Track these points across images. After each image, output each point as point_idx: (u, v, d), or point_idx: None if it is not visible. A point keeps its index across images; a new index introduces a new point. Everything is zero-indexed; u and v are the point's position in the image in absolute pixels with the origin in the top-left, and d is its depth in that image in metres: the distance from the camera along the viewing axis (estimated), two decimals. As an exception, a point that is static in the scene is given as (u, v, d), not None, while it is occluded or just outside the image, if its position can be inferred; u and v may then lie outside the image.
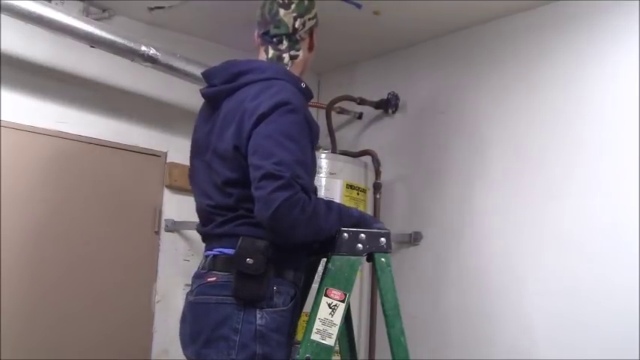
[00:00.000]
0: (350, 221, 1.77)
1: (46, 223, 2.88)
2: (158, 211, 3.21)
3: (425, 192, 3.28)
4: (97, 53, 2.88)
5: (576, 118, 2.74)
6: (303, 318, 2.00)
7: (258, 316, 1.67)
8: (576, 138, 2.73)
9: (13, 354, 2.67)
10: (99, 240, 3.03)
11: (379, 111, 3.57)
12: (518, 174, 2.90)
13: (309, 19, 1.91)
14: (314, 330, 1.67)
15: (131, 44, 2.80)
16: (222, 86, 1.84)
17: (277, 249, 1.71)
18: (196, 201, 1.89)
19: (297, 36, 1.89)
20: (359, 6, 2.94)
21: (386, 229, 1.82)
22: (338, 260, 1.73)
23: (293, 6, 1.88)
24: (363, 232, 1.76)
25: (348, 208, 1.81)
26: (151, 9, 3.13)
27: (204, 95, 1.91)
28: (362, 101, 3.51)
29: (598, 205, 2.61)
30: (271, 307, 1.69)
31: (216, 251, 1.77)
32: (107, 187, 3.09)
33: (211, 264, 1.77)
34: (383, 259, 1.79)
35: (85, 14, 2.99)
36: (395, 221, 3.25)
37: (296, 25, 1.88)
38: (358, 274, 1.96)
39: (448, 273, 3.10)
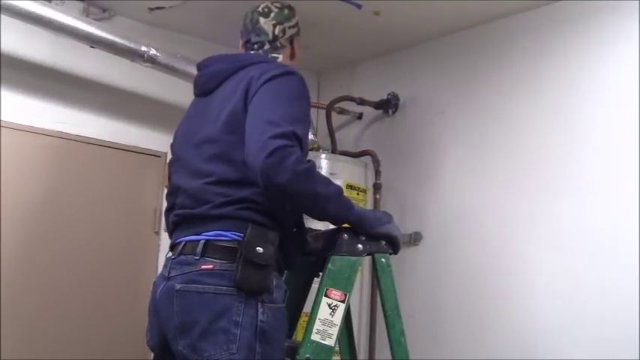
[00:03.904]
0: (348, 215, 1.71)
1: (46, 223, 2.89)
2: (158, 211, 3.21)
3: (424, 192, 3.28)
4: (97, 53, 2.88)
5: (576, 118, 2.74)
6: (303, 318, 2.00)
7: (260, 310, 1.60)
8: (576, 138, 2.73)
9: (13, 354, 2.67)
10: (99, 240, 3.03)
11: (379, 111, 3.57)
12: (518, 174, 2.90)
13: (290, 27, 1.97)
14: (314, 330, 1.67)
15: (131, 44, 2.80)
16: (226, 65, 1.86)
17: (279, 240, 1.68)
18: (182, 185, 1.78)
19: (278, 43, 1.95)
20: (359, 6, 2.95)
21: (391, 233, 1.79)
22: (338, 260, 1.73)
23: (272, 14, 1.95)
24: (364, 232, 1.76)
25: (352, 204, 1.74)
26: (151, 9, 3.13)
27: (201, 77, 1.91)
28: (362, 101, 3.51)
29: (598, 205, 2.61)
30: (272, 303, 1.63)
31: (209, 235, 1.66)
32: (107, 187, 3.09)
33: (203, 249, 1.65)
34: (383, 260, 1.79)
35: (85, 14, 2.99)
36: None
37: (276, 32, 1.95)
38: (358, 274, 1.96)
39: (448, 273, 3.10)
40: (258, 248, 1.61)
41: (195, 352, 1.59)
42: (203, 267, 1.63)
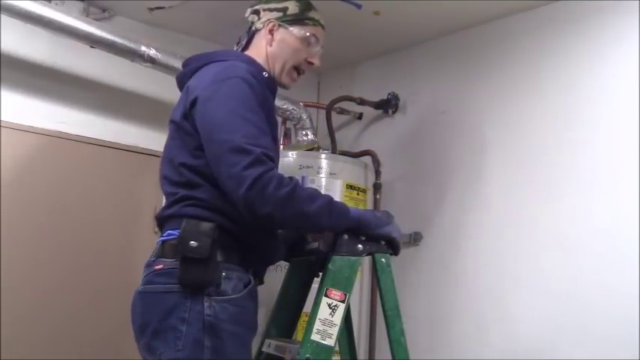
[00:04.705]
0: (344, 221, 1.69)
1: (46, 223, 2.89)
2: (157, 211, 3.20)
3: (425, 192, 3.28)
4: (97, 53, 2.88)
5: (576, 118, 2.74)
6: (303, 318, 2.00)
7: (206, 305, 1.58)
8: (576, 138, 2.72)
9: (13, 354, 2.67)
10: (98, 240, 3.03)
11: (379, 111, 3.57)
12: (518, 174, 2.90)
13: (266, 10, 1.87)
14: (314, 330, 1.67)
15: (131, 44, 2.80)
16: (196, 63, 1.84)
17: (227, 232, 1.64)
18: (161, 186, 1.82)
19: (253, 27, 1.89)
20: (359, 6, 2.95)
21: (391, 234, 1.78)
22: (338, 260, 1.73)
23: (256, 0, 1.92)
24: (363, 234, 1.75)
25: (347, 208, 1.71)
26: (151, 9, 3.13)
27: (179, 75, 1.91)
28: (362, 101, 3.51)
29: (598, 205, 2.60)
30: (220, 295, 1.60)
31: (163, 236, 1.70)
32: (106, 187, 3.09)
33: (160, 250, 1.69)
34: (383, 260, 1.79)
35: (85, 14, 2.99)
36: (395, 221, 3.24)
37: (247, 14, 1.90)
38: (358, 274, 1.96)
39: (448, 273, 3.10)
40: (191, 242, 1.59)
41: (149, 351, 1.62)
42: (156, 267, 1.67)
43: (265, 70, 1.81)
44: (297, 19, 1.86)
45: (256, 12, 1.89)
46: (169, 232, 1.68)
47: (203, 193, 1.66)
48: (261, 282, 1.84)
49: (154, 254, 1.71)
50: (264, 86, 1.75)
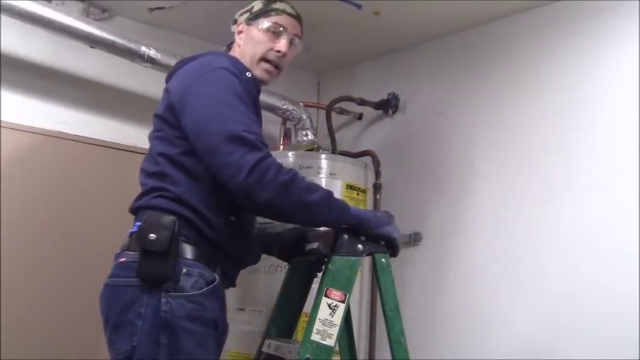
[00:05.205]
0: (344, 218, 1.68)
1: (45, 223, 2.89)
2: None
3: (424, 192, 3.28)
4: (97, 54, 2.88)
5: (576, 118, 2.74)
6: (303, 318, 2.00)
7: (163, 300, 1.54)
8: (576, 138, 2.72)
9: (13, 354, 2.67)
10: (98, 240, 3.02)
11: (379, 111, 3.57)
12: (517, 174, 2.90)
13: (239, 16, 1.94)
14: (314, 330, 1.67)
15: (131, 45, 2.80)
16: (174, 69, 1.87)
17: (193, 227, 1.62)
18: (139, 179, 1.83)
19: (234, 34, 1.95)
20: (359, 6, 2.95)
21: (391, 235, 1.77)
22: (338, 261, 1.73)
23: None
24: (363, 233, 1.75)
25: (347, 205, 1.71)
26: (151, 10, 3.13)
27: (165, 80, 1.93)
28: (362, 102, 3.51)
29: (598, 205, 2.60)
30: (177, 291, 1.56)
31: (133, 228, 1.68)
32: (106, 187, 3.08)
33: (127, 243, 1.67)
34: (383, 260, 1.79)
35: (85, 15, 2.99)
36: (395, 222, 3.23)
37: (231, 25, 1.96)
38: (358, 274, 1.96)
39: (448, 273, 3.09)
40: (150, 235, 1.57)
41: (111, 346, 1.60)
42: (120, 260, 1.66)
43: (249, 71, 1.82)
44: (261, 13, 1.89)
45: (235, 21, 1.95)
46: (137, 224, 1.67)
47: (173, 184, 1.64)
48: (233, 284, 1.81)
49: (121, 246, 1.70)
50: (250, 83, 1.76)
